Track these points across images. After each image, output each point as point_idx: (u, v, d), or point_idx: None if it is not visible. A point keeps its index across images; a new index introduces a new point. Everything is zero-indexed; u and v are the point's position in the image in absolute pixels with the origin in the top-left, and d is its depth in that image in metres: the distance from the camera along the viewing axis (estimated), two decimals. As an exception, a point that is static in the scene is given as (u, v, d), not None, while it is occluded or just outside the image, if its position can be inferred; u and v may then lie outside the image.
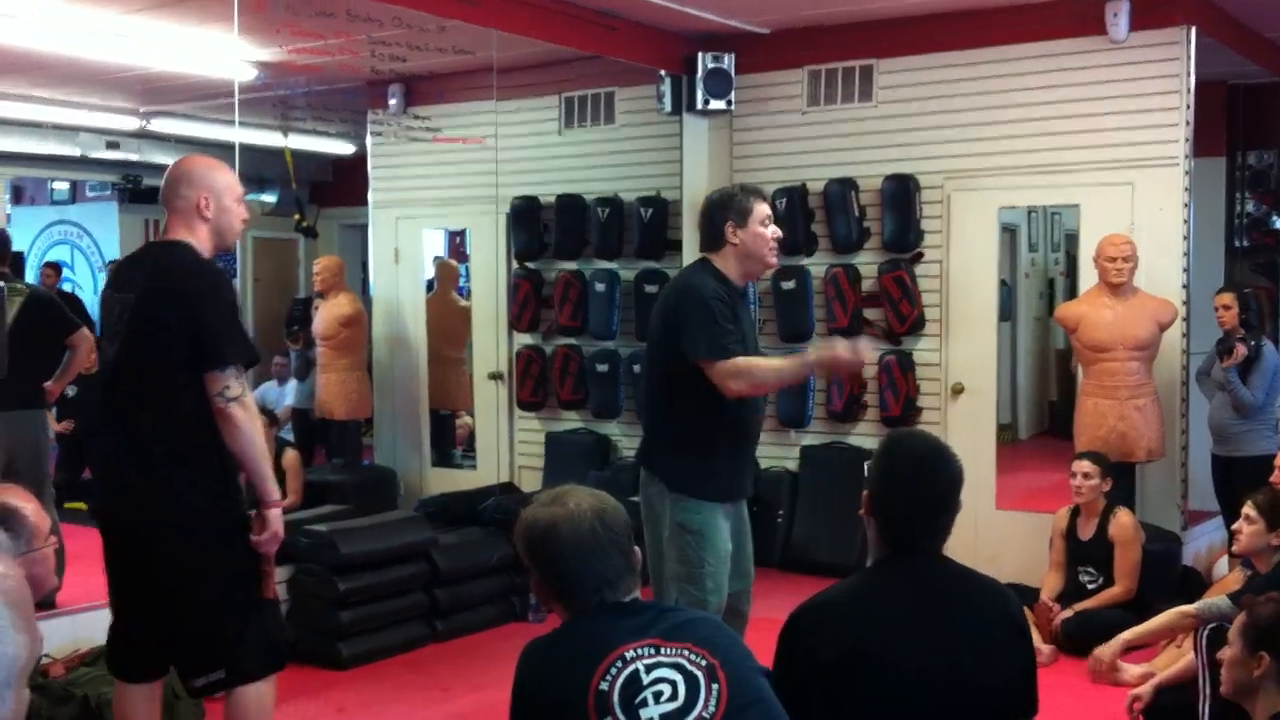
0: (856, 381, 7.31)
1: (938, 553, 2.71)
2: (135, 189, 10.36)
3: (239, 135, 6.55)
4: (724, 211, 4.23)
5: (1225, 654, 3.14)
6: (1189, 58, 6.56)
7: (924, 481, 2.66)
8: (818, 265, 7.57)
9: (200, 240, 3.66)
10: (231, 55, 6.71)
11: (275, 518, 3.60)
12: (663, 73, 7.64)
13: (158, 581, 3.58)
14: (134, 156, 9.62)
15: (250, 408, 3.55)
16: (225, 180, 3.74)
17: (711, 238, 4.28)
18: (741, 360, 4.10)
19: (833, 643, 2.60)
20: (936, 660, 2.60)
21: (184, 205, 3.66)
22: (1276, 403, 6.69)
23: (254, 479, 3.57)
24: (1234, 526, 4.45)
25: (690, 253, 7.60)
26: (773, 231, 4.27)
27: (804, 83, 7.66)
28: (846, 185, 7.44)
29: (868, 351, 4.18)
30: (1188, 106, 6.58)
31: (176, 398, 3.51)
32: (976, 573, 2.78)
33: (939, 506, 2.66)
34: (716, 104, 7.54)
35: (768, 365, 4.32)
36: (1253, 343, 6.48)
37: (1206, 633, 4.03)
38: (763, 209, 4.26)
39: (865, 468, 2.81)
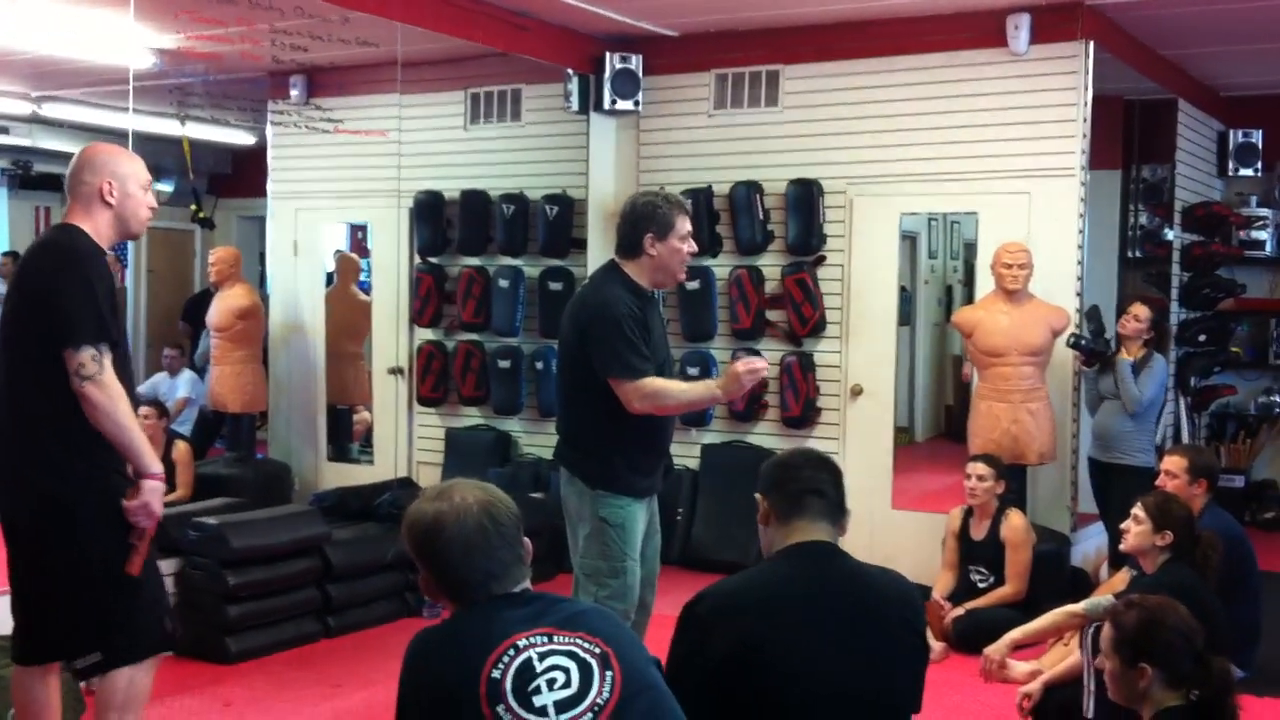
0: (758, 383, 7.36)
1: (834, 538, 2.79)
2: (25, 175, 10.06)
3: (134, 123, 6.38)
4: (646, 223, 4.21)
5: (1105, 666, 3.15)
6: (1087, 72, 6.69)
7: (811, 465, 2.86)
8: (722, 266, 7.61)
9: (99, 226, 3.62)
10: (128, 40, 6.54)
11: (150, 489, 3.54)
12: (570, 71, 7.62)
13: (33, 557, 3.56)
14: (25, 142, 9.37)
15: (108, 386, 3.47)
16: (131, 167, 3.70)
17: (629, 245, 4.26)
18: (648, 382, 4.13)
19: (729, 634, 2.61)
20: (834, 657, 2.63)
21: (86, 191, 3.63)
22: (1156, 412, 6.82)
23: (127, 454, 3.53)
24: (1122, 526, 4.54)
25: (595, 251, 7.60)
26: (689, 248, 4.29)
27: (711, 86, 7.70)
28: (751, 188, 7.48)
29: (757, 361, 4.18)
30: (1085, 120, 6.71)
31: (47, 374, 3.48)
32: (881, 572, 2.82)
33: (824, 482, 2.83)
34: (624, 104, 7.56)
35: (675, 390, 4.28)
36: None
37: (1092, 631, 4.09)
38: (684, 224, 4.25)
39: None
